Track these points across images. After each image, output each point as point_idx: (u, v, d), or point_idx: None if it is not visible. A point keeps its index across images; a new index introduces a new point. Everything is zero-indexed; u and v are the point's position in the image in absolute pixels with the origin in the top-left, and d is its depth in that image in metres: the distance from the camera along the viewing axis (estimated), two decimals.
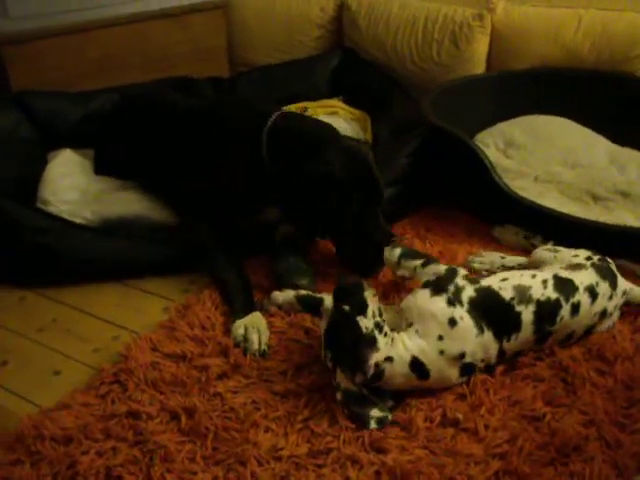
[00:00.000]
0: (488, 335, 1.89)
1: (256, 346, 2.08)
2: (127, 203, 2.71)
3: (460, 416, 1.80)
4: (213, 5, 4.35)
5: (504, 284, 1.97)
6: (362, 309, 1.83)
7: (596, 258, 2.13)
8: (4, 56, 3.22)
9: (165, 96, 2.93)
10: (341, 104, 3.47)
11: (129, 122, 2.91)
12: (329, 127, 2.42)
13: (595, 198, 2.83)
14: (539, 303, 1.94)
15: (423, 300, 1.92)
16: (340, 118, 3.28)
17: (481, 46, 3.47)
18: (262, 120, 2.40)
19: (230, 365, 2.02)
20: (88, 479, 1.66)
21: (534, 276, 2.01)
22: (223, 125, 2.54)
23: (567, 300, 1.97)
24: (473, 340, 1.87)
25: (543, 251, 2.26)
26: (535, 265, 2.21)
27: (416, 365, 1.84)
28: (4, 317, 2.36)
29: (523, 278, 2.00)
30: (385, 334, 1.84)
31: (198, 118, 2.64)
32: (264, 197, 2.42)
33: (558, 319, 1.97)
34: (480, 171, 2.65)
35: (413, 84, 3.48)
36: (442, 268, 2.03)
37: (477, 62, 3.50)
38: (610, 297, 2.06)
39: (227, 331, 2.17)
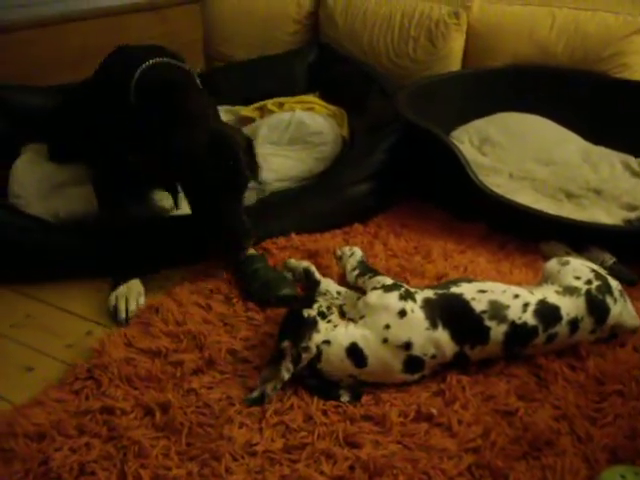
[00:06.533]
0: (443, 334, 1.88)
1: (123, 315, 2.23)
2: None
3: (434, 411, 1.81)
4: None
5: (480, 296, 1.94)
6: (309, 304, 1.98)
7: (595, 285, 2.00)
8: None
9: None
10: (317, 100, 3.47)
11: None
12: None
13: (569, 195, 2.85)
14: (514, 325, 1.91)
15: (375, 296, 1.96)
16: (316, 114, 3.28)
17: (457, 43, 3.50)
18: (132, 70, 2.40)
19: (205, 360, 2.01)
20: (61, 476, 1.64)
21: (517, 296, 1.95)
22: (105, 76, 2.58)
23: (545, 330, 1.93)
24: (422, 332, 1.86)
25: (552, 263, 2.13)
26: (544, 278, 2.11)
27: (353, 351, 1.85)
28: None
29: (504, 295, 1.95)
30: (328, 321, 1.92)
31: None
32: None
33: (530, 344, 1.95)
34: (455, 167, 2.66)
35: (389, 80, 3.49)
36: (388, 280, 2.05)
37: (453, 59, 3.52)
38: (592, 331, 2.00)
39: (202, 326, 2.15)
